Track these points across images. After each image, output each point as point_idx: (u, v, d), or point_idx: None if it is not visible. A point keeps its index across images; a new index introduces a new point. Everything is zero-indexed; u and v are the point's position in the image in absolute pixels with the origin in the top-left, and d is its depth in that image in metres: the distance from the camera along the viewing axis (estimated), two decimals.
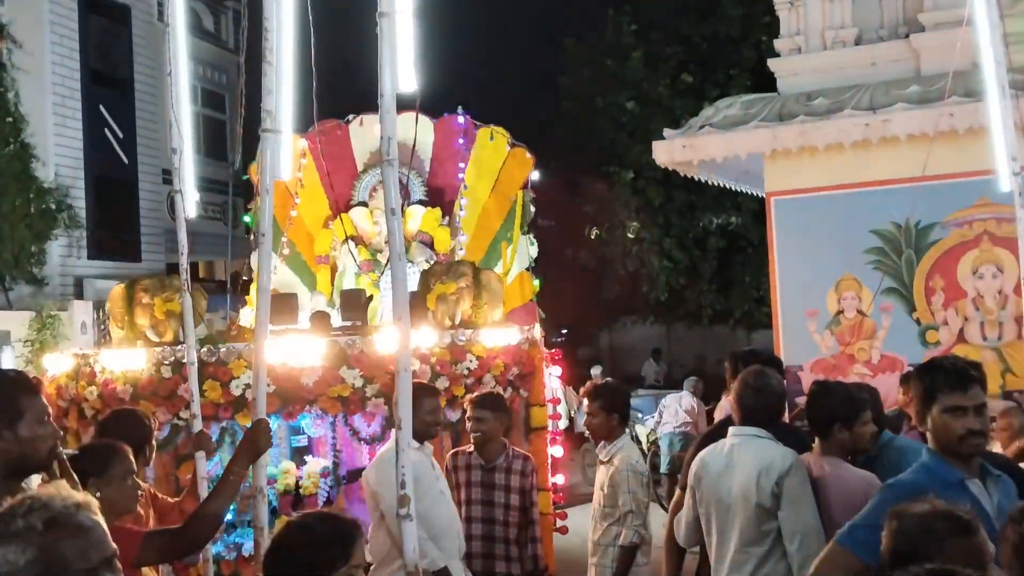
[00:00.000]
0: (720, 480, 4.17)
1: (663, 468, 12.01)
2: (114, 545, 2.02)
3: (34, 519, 1.92)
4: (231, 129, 20.65)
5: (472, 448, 5.39)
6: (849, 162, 8.72)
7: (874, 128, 8.43)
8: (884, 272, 8.66)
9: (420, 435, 4.75)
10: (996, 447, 6.49)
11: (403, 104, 3.24)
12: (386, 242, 9.25)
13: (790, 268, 9.08)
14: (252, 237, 10.05)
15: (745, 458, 4.11)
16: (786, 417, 5.18)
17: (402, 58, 3.25)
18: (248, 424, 3.83)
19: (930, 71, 8.66)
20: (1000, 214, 8.11)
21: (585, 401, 5.34)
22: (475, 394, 5.59)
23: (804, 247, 8.99)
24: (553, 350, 7.69)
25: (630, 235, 19.95)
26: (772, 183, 9.25)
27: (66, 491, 2.01)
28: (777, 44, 9.67)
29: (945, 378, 3.27)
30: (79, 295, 15.96)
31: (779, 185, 9.20)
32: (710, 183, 10.96)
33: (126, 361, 6.48)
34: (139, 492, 3.78)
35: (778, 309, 9.18)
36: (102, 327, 13.82)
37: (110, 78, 17.80)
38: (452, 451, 5.63)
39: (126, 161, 17.88)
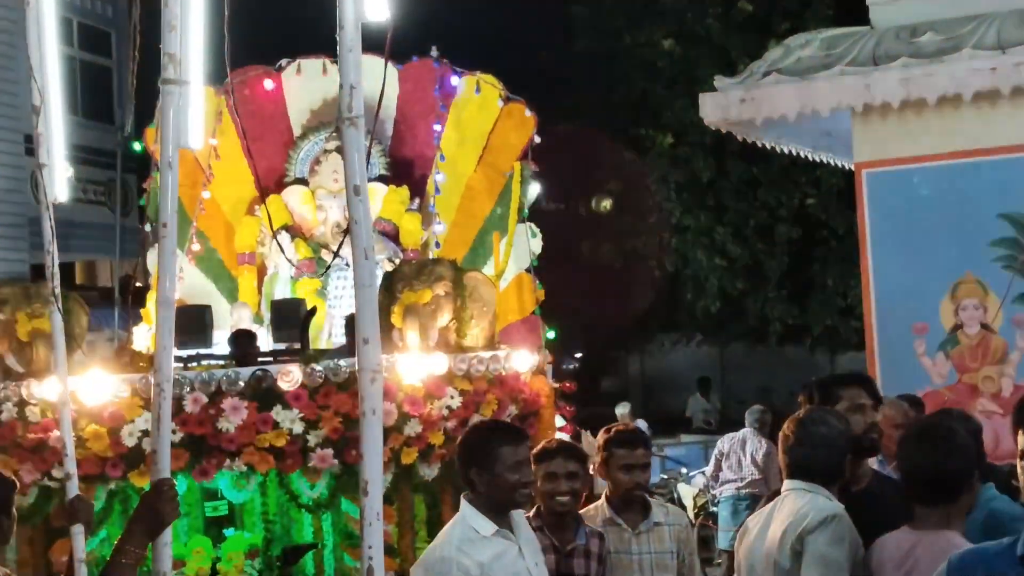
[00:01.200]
0: (756, 541, 4.39)
1: (723, 544, 11.96)
2: None
3: None
4: (120, 80, 20.63)
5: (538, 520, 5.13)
6: (970, 121, 8.76)
7: (1003, 74, 8.46)
8: (1018, 272, 8.70)
9: (500, 504, 4.44)
10: None
11: (364, 44, 3.21)
12: (338, 233, 9.30)
13: (889, 267, 9.12)
14: (149, 228, 10.01)
15: (783, 513, 4.31)
16: None
17: None
18: (146, 486, 3.83)
19: None
20: None
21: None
22: (552, 441, 5.49)
23: (908, 238, 9.03)
24: (564, 383, 7.70)
25: (671, 222, 19.97)
26: (864, 151, 9.30)
27: None
28: None
29: None
30: None
31: (873, 153, 9.25)
32: (778, 150, 10.98)
33: None
34: None
35: (872, 323, 9.22)
36: None
37: None
38: None
39: None
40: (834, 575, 4.13)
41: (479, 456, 4.43)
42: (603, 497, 5.29)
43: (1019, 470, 3.48)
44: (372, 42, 3.21)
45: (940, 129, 8.89)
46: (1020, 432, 3.76)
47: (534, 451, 5.14)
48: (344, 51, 3.03)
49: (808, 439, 4.35)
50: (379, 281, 7.78)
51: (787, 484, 4.45)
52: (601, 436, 4.62)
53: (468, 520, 4.38)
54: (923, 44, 8.85)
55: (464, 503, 4.46)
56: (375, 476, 2.98)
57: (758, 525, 4.48)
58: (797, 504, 4.30)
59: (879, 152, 9.21)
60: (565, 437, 7.89)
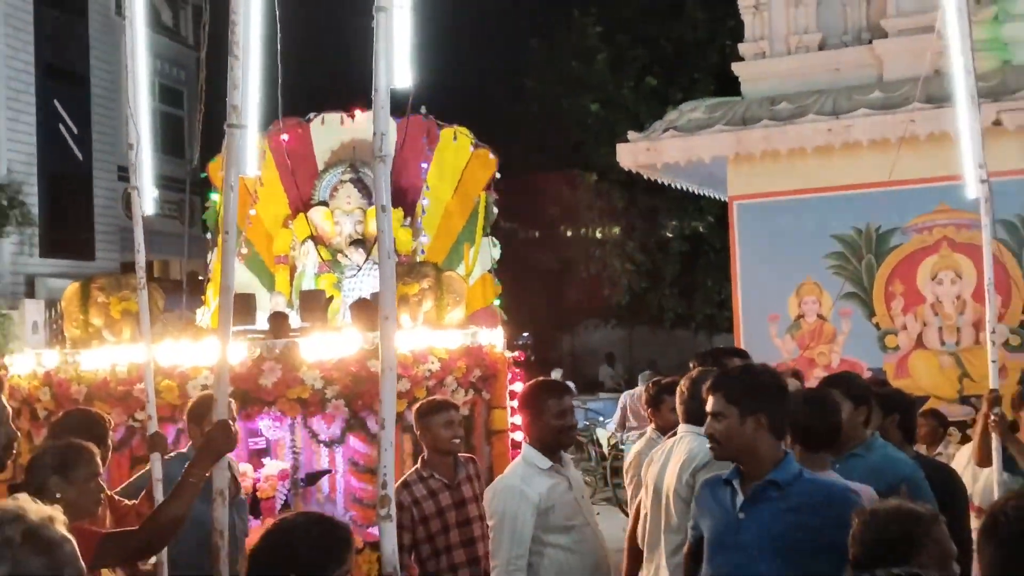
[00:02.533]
0: (660, 469, 4.35)
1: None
2: (83, 564, 1.98)
3: (11, 531, 1.86)
4: (189, 125, 20.49)
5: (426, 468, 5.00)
6: (811, 167, 8.84)
7: (836, 133, 8.55)
8: (844, 277, 8.79)
9: (549, 446, 4.28)
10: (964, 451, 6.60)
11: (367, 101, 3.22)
12: (350, 243, 9.25)
13: (752, 272, 9.19)
14: (209, 236, 9.95)
15: (680, 451, 4.29)
16: None
17: (398, 53, 3.26)
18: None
19: (892, 77, 8.80)
20: (959, 220, 8.27)
21: None
22: (442, 399, 5.31)
23: (766, 252, 9.10)
24: (516, 353, 7.71)
25: (595, 238, 20.05)
26: (735, 187, 9.36)
27: (34, 503, 1.95)
28: (741, 48, 9.78)
29: None
30: (31, 294, 15.75)
31: (742, 189, 9.31)
32: (674, 186, 11.04)
33: (82, 361, 6.41)
34: (101, 495, 3.75)
35: (739, 313, 9.29)
36: (54, 327, 13.65)
37: (65, 72, 17.61)
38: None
39: (81, 157, 17.69)
40: None
41: (533, 407, 4.32)
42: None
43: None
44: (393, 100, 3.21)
45: (790, 173, 8.97)
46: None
47: (428, 405, 5.05)
48: (377, 108, 3.05)
49: (698, 393, 4.27)
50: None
51: (682, 428, 4.43)
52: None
53: (528, 458, 4.28)
54: (779, 110, 8.93)
55: (524, 446, 4.38)
56: (390, 415, 2.97)
57: (661, 458, 4.42)
58: (690, 445, 4.26)
59: (747, 188, 9.28)
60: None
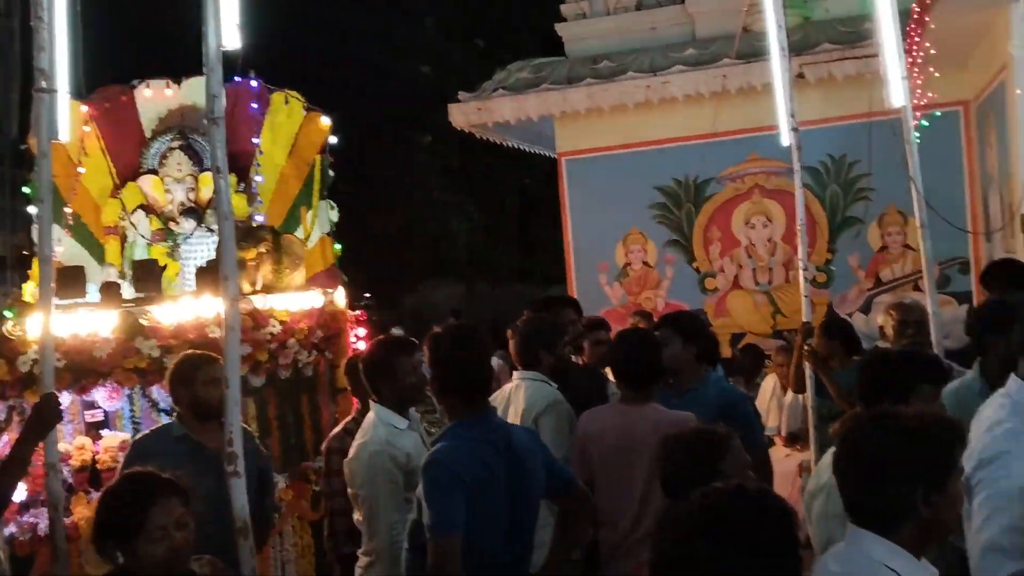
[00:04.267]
0: (503, 416, 4.30)
1: None
2: None
3: None
4: (6, 95, 19.28)
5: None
6: (633, 123, 9.07)
7: (654, 90, 8.79)
8: (667, 226, 9.10)
9: (402, 404, 4.05)
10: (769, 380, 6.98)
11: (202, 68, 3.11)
12: (183, 211, 8.95)
13: (581, 225, 9.40)
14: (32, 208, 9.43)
15: (519, 398, 4.34)
16: None
17: (227, 14, 3.14)
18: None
19: (705, 35, 9.09)
20: (769, 168, 8.67)
21: None
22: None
23: (594, 205, 9.32)
24: (357, 312, 7.67)
25: (432, 197, 20.01)
26: (562, 144, 9.53)
27: None
28: (564, 9, 9.89)
29: None
30: None
31: (569, 146, 9.48)
32: (506, 145, 11.12)
33: None
34: None
35: (571, 264, 9.51)
36: None
37: None
38: None
39: None
40: (562, 443, 4.14)
41: (382, 367, 4.06)
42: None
43: None
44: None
45: (614, 129, 9.18)
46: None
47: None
48: (209, 70, 2.98)
49: (525, 336, 4.42)
50: (215, 244, 7.58)
51: (519, 374, 4.48)
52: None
53: (384, 418, 4.00)
54: (601, 69, 9.09)
55: (375, 406, 4.07)
56: (234, 373, 2.93)
57: (501, 404, 4.41)
58: (529, 392, 4.33)
59: (573, 145, 9.45)
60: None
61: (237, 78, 9.89)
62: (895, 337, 4.73)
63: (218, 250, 2.97)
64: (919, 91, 6.40)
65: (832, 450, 3.27)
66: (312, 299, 6.90)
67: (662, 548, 1.60)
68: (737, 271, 8.96)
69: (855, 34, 8.24)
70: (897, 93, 4.86)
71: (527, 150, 11.58)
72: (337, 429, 4.92)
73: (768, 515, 1.57)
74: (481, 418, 3.30)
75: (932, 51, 6.52)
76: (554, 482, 3.41)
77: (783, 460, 6.47)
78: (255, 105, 9.92)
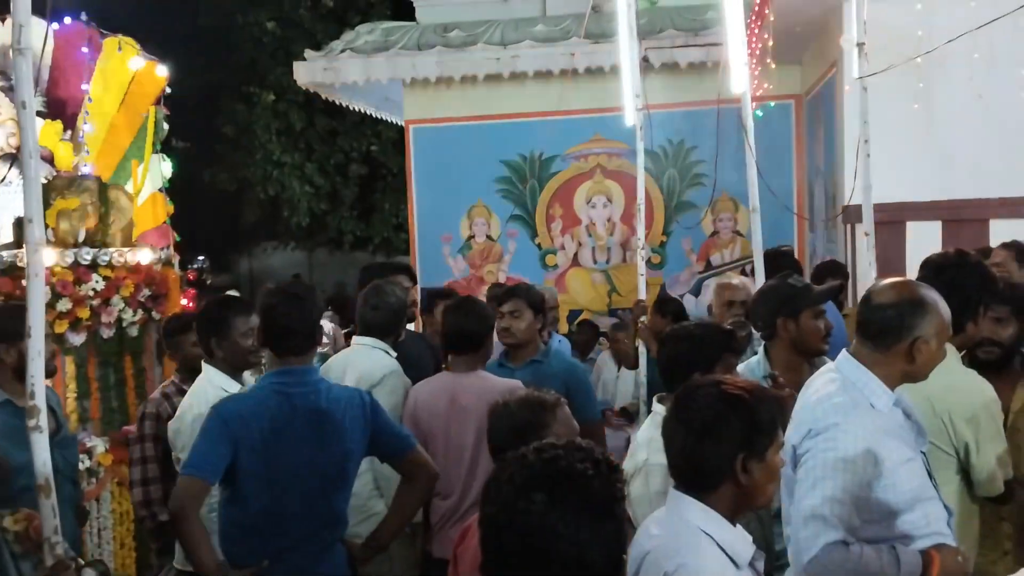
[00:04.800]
0: (338, 382, 4.27)
1: None
2: None
3: None
4: None
5: None
6: (482, 94, 9.08)
7: (504, 63, 8.82)
8: (511, 200, 9.18)
9: (236, 368, 3.94)
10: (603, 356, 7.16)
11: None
12: (1, 156, 8.42)
13: (427, 195, 9.36)
14: None
15: (356, 365, 4.29)
16: None
17: None
18: None
19: (555, 12, 9.19)
20: (611, 149, 8.86)
21: None
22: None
23: (440, 175, 9.28)
24: (188, 271, 7.42)
25: (272, 159, 19.48)
26: (411, 111, 9.44)
27: None
28: None
29: None
30: None
31: (417, 114, 9.40)
32: (352, 109, 10.95)
33: None
34: None
35: (415, 234, 9.46)
36: None
37: None
38: None
39: None
40: (398, 415, 4.11)
41: (217, 326, 3.92)
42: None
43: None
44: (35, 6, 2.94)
45: (463, 99, 9.16)
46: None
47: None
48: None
49: (379, 304, 4.36)
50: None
51: (357, 339, 4.44)
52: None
53: (215, 381, 3.90)
54: (452, 38, 9.05)
55: (207, 367, 3.97)
56: (37, 322, 2.76)
57: (337, 369, 4.35)
58: (366, 360, 4.27)
59: (422, 113, 9.37)
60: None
61: (68, 19, 9.38)
62: (721, 314, 4.94)
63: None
64: (756, 82, 6.65)
65: (643, 431, 3.43)
66: (140, 256, 6.63)
67: (496, 502, 1.61)
68: (577, 249, 9.13)
69: (699, 22, 8.50)
70: (739, 80, 5.03)
71: (374, 115, 11.43)
72: (154, 393, 4.73)
73: (600, 469, 1.61)
74: (288, 372, 3.31)
75: (770, 43, 6.79)
76: (385, 446, 3.42)
77: (613, 434, 6.66)
78: (85, 49, 9.42)
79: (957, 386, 3.06)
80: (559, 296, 8.85)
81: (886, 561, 2.55)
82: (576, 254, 9.13)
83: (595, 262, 9.11)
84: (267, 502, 3.24)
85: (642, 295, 5.89)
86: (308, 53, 9.45)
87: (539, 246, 9.18)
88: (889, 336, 2.72)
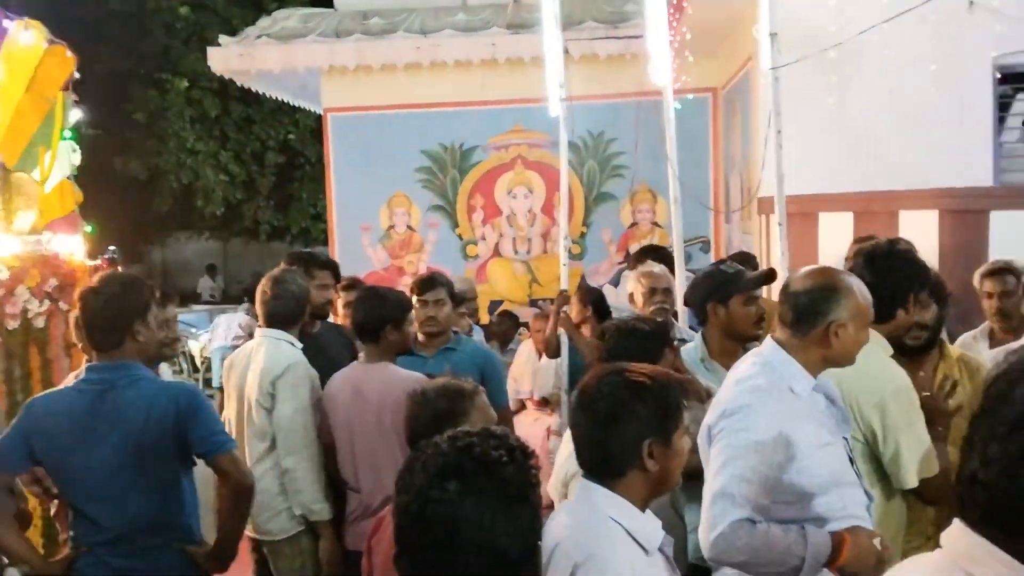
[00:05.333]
0: (242, 376, 4.26)
1: (216, 383, 11.90)
2: None
3: None
4: None
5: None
6: (402, 83, 9.01)
7: (424, 52, 8.77)
8: (432, 190, 9.13)
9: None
10: (524, 346, 7.18)
11: None
12: None
13: (346, 184, 9.26)
14: None
15: (259, 358, 4.22)
16: None
17: None
18: None
19: (476, 1, 9.16)
20: (532, 140, 8.88)
21: None
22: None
23: (359, 164, 9.19)
24: (98, 261, 7.22)
25: (186, 147, 19.09)
26: (329, 99, 9.33)
27: None
28: None
29: None
30: None
31: (336, 102, 9.29)
32: (268, 97, 10.78)
33: None
34: None
35: (334, 223, 9.35)
36: None
37: None
38: None
39: None
40: (302, 408, 4.10)
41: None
42: None
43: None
44: None
45: (383, 87, 9.07)
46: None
47: None
48: None
49: (280, 294, 4.28)
50: None
51: (261, 332, 4.34)
52: None
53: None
54: (371, 25, 8.97)
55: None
56: None
57: (241, 363, 4.32)
58: (269, 352, 4.19)
59: (340, 101, 9.27)
60: None
61: None
62: (644, 303, 4.98)
63: None
64: (675, 75, 6.73)
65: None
66: (45, 244, 6.43)
67: (409, 490, 1.59)
68: (498, 239, 9.14)
69: (617, 14, 8.57)
70: (661, 72, 5.09)
71: (291, 103, 11.28)
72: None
73: (514, 456, 1.60)
74: (94, 367, 3.30)
75: (688, 36, 6.88)
76: (196, 447, 3.29)
77: (533, 423, 6.69)
78: None
79: (868, 372, 3.08)
80: (480, 287, 8.89)
81: (792, 540, 2.59)
82: (497, 244, 9.14)
83: (516, 252, 9.13)
84: (71, 497, 3.27)
85: (564, 285, 5.93)
86: (223, 39, 9.27)
87: (460, 236, 9.16)
88: (805, 321, 2.78)
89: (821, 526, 2.69)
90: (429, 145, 9.14)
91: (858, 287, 2.81)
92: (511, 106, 8.78)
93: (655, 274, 5.24)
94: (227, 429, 4.27)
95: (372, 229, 9.22)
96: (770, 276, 3.94)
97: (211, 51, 9.19)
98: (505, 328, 7.81)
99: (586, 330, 5.73)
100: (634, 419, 2.23)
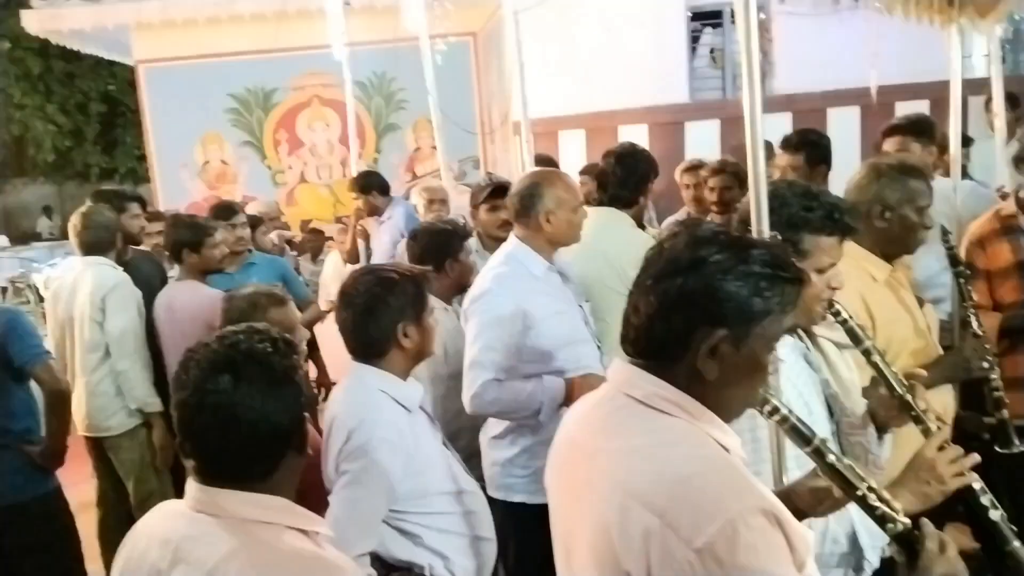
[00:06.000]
0: (70, 299, 4.08)
1: None
2: None
3: None
4: None
5: None
6: (206, 35, 8.45)
7: (222, 6, 8.24)
8: (241, 128, 8.76)
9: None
10: (331, 257, 7.10)
11: None
12: None
13: (162, 128, 8.74)
14: None
15: (86, 280, 4.05)
16: None
17: None
18: None
19: None
20: (324, 81, 8.60)
21: None
22: None
23: (173, 110, 8.65)
24: None
25: (13, 102, 17.28)
26: (139, 53, 8.70)
27: None
28: None
29: None
30: None
31: (146, 55, 8.68)
32: (86, 52, 9.89)
33: None
34: None
35: (155, 164, 8.85)
36: None
37: None
38: None
39: None
40: (130, 318, 3.98)
41: None
42: None
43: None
44: None
45: (189, 40, 8.47)
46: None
47: None
48: None
49: (89, 224, 4.07)
50: None
51: (83, 260, 4.10)
52: None
53: None
54: None
55: None
56: None
57: (67, 288, 4.09)
58: (96, 274, 4.00)
59: (151, 54, 8.65)
60: None
61: None
62: (425, 212, 5.07)
63: None
64: (439, 21, 6.67)
65: None
66: None
67: (187, 386, 1.54)
68: (303, 168, 8.90)
69: None
70: (418, 21, 5.06)
71: (106, 58, 10.39)
72: None
73: (277, 346, 1.57)
74: None
75: None
76: (16, 358, 3.21)
77: None
78: None
79: (630, 241, 3.27)
80: (291, 209, 8.70)
81: (531, 389, 2.75)
82: (302, 172, 8.89)
83: (319, 178, 8.93)
84: None
85: (359, 204, 5.89)
86: (35, 1, 8.38)
87: (269, 167, 8.85)
88: (524, 214, 2.90)
89: (563, 376, 2.86)
90: (235, 89, 8.70)
91: (560, 180, 2.93)
92: (305, 53, 8.44)
93: (433, 188, 5.32)
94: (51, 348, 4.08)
95: (189, 165, 8.76)
96: (497, 190, 3.93)
97: (25, 13, 8.32)
98: (315, 242, 7.67)
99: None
100: (388, 308, 2.29)
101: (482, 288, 2.85)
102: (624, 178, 3.20)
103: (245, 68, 8.64)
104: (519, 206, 2.91)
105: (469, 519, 2.39)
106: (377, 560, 2.30)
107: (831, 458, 1.51)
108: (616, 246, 3.21)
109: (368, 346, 2.32)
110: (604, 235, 3.32)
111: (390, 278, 2.31)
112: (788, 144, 3.91)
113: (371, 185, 5.79)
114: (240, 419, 1.51)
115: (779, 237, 1.75)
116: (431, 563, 2.32)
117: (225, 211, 4.53)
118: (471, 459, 3.02)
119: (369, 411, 2.24)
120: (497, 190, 3.90)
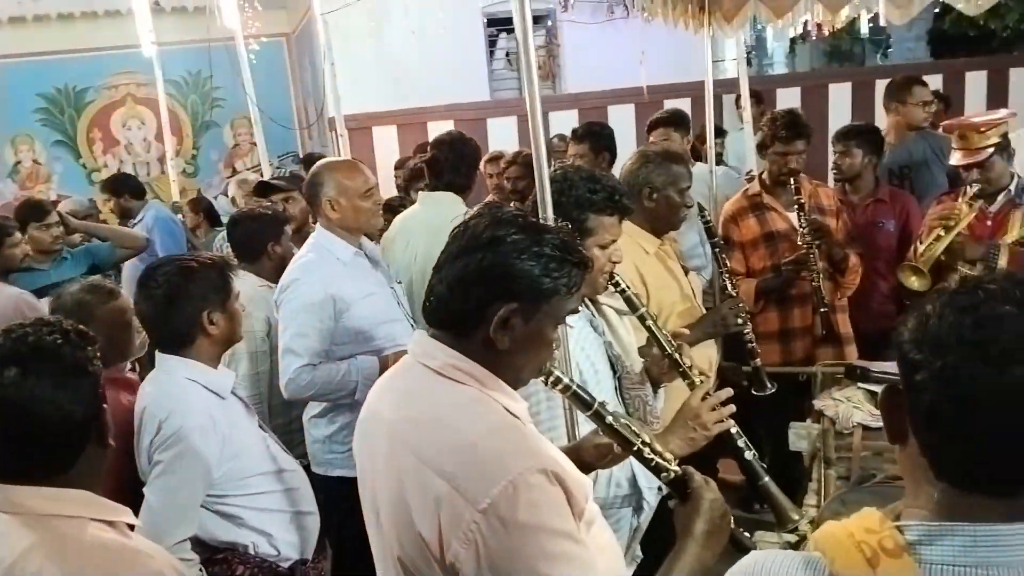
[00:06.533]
0: None
1: None
2: None
3: None
4: None
5: None
6: (10, 36, 7.58)
7: (26, 6, 7.42)
8: (53, 128, 7.92)
9: None
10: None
11: None
12: None
13: None
14: None
15: None
16: None
17: None
18: None
19: None
20: (138, 80, 7.97)
21: None
22: None
23: None
24: None
25: None
26: None
27: None
28: None
29: None
30: None
31: None
32: None
33: None
34: None
35: None
36: None
37: None
38: None
39: None
40: None
41: None
42: None
43: None
44: None
45: None
46: None
47: None
48: None
49: None
50: None
51: None
52: None
53: None
54: None
55: None
56: None
57: None
58: None
59: None
60: None
61: None
62: (244, 202, 4.81)
63: None
64: (250, 22, 6.28)
65: None
66: None
67: None
68: (119, 165, 8.16)
69: None
70: (232, 22, 4.76)
71: None
72: None
73: (69, 337, 1.43)
74: None
75: None
76: None
77: None
78: None
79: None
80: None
81: (344, 369, 2.61)
82: (119, 170, 8.15)
83: (137, 175, 8.24)
84: None
85: (176, 198, 5.46)
86: None
87: (84, 166, 8.07)
88: (312, 203, 2.77)
89: (379, 354, 2.74)
90: (44, 89, 7.86)
91: (343, 168, 2.78)
92: (117, 52, 7.72)
93: (248, 181, 5.05)
94: None
95: (0, 166, 7.82)
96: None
97: None
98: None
99: (200, 231, 5.39)
100: (190, 297, 2.11)
101: (290, 277, 2.68)
102: (455, 163, 3.15)
103: (54, 67, 7.82)
104: (308, 196, 2.77)
105: (290, 496, 2.26)
106: (199, 544, 2.13)
107: (609, 419, 1.52)
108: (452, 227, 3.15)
109: (173, 336, 2.13)
110: (442, 216, 3.21)
111: (190, 267, 2.13)
112: (575, 135, 4.00)
113: (123, 188, 5.38)
114: (30, 413, 1.37)
115: (562, 222, 1.74)
116: (255, 541, 2.18)
117: (37, 211, 4.10)
118: (299, 432, 2.87)
119: (177, 401, 2.06)
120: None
